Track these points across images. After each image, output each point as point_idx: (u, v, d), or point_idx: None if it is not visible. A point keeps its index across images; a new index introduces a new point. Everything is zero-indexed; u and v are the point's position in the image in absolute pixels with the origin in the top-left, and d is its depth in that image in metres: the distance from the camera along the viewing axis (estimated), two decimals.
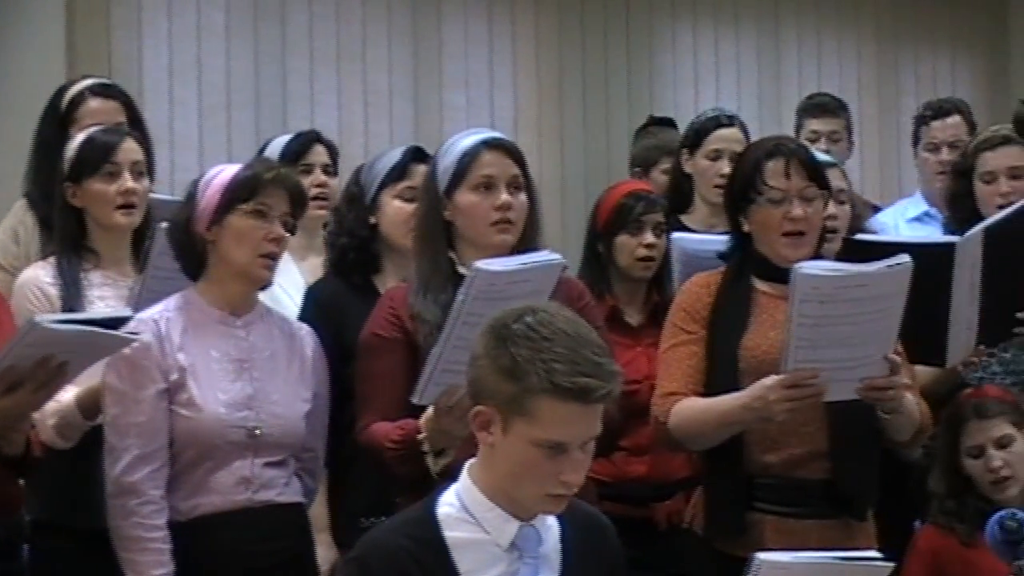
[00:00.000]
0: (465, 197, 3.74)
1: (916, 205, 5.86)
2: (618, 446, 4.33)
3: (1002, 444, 4.25)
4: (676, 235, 4.62)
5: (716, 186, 4.95)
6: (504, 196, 3.73)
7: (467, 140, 3.79)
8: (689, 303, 3.97)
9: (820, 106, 6.18)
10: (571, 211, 7.14)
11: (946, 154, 5.62)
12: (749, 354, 3.84)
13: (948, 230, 4.67)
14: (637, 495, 4.41)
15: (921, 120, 5.90)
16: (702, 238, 4.41)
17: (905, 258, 3.66)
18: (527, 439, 2.73)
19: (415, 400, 3.54)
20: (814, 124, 6.09)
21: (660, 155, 5.72)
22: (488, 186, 3.73)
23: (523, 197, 3.77)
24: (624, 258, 4.60)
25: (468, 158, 3.75)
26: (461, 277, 3.56)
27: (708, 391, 3.86)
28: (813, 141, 5.91)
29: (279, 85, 6.94)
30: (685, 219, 5.13)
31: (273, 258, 3.79)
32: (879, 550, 3.50)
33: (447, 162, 3.78)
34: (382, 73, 7.23)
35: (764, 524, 3.82)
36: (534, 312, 2.77)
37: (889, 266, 3.65)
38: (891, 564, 3.29)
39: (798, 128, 6.12)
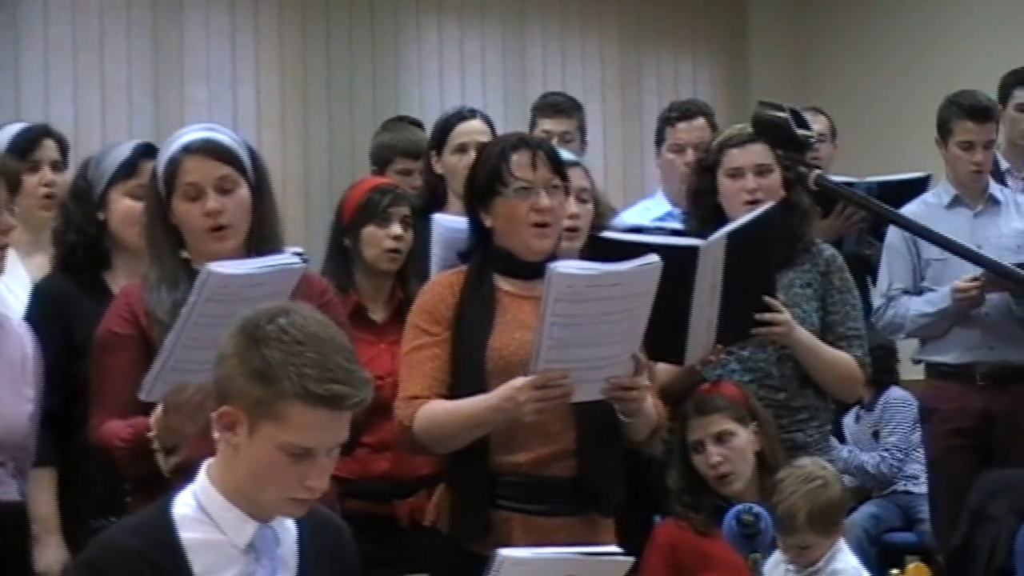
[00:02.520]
0: (178, 205, 3.69)
1: (659, 205, 5.92)
2: (361, 443, 4.30)
3: (721, 439, 4.31)
4: (437, 216, 4.60)
5: None
6: (211, 203, 3.66)
7: (173, 146, 3.73)
8: (432, 304, 3.94)
9: (553, 106, 6.21)
10: (315, 207, 7.09)
11: (691, 156, 5.67)
12: (496, 355, 3.83)
13: (688, 225, 4.72)
14: (379, 492, 4.40)
15: (666, 121, 5.97)
16: (462, 220, 4.39)
17: (654, 258, 3.69)
18: (274, 443, 2.69)
19: (142, 396, 3.48)
20: (547, 124, 6.11)
21: (394, 154, 5.72)
22: (195, 194, 3.67)
23: (241, 194, 3.70)
24: (370, 250, 4.58)
25: (172, 166, 3.70)
26: (196, 274, 3.49)
27: (454, 393, 3.84)
28: None
29: (11, 75, 6.77)
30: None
31: (4, 248, 3.72)
32: (620, 544, 3.52)
33: (160, 168, 3.73)
34: (120, 65, 7.09)
35: (510, 522, 3.82)
36: (287, 314, 2.73)
37: (641, 265, 3.67)
38: (631, 558, 3.30)
39: (532, 127, 6.15)
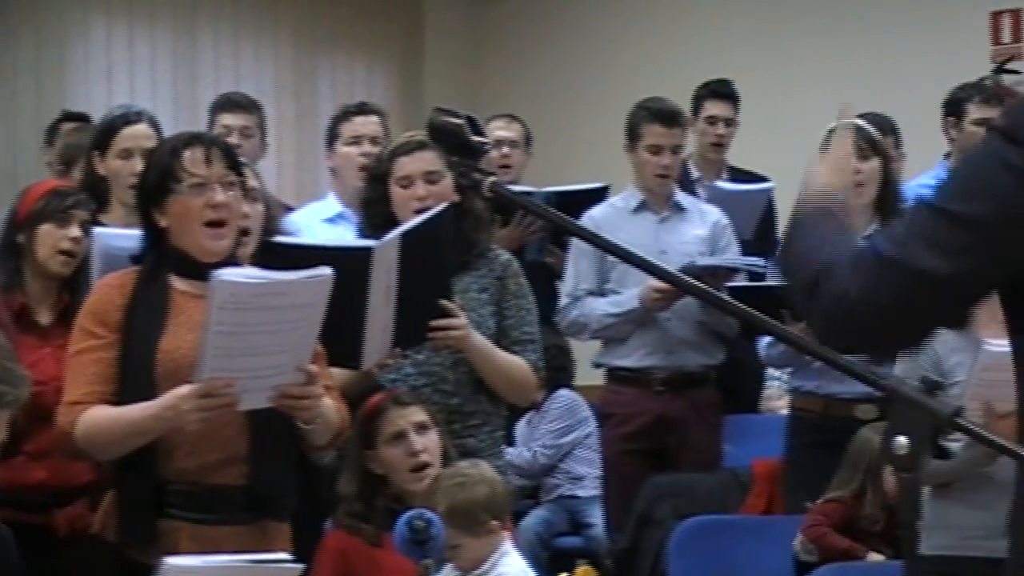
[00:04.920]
0: None
1: (330, 206, 5.92)
2: (18, 450, 4.16)
3: (422, 429, 4.30)
4: (97, 230, 4.48)
5: (131, 187, 4.82)
6: None
7: None
8: (99, 305, 3.83)
9: (233, 102, 6.29)
10: None
11: (368, 146, 5.76)
12: (167, 357, 3.73)
13: (363, 234, 4.70)
14: (36, 501, 4.29)
15: (341, 118, 6.01)
16: (124, 233, 4.29)
17: (326, 270, 3.63)
18: None
19: None
20: (226, 119, 6.19)
21: (80, 153, 5.58)
22: None
23: None
24: (45, 249, 4.47)
25: None
26: None
27: (123, 398, 3.72)
28: (225, 136, 5.92)
29: None
30: (104, 218, 4.98)
31: None
32: (293, 552, 3.49)
33: None
34: None
35: (179, 531, 3.71)
36: None
37: (310, 276, 3.62)
38: (301, 565, 3.27)
39: (211, 124, 6.17)
